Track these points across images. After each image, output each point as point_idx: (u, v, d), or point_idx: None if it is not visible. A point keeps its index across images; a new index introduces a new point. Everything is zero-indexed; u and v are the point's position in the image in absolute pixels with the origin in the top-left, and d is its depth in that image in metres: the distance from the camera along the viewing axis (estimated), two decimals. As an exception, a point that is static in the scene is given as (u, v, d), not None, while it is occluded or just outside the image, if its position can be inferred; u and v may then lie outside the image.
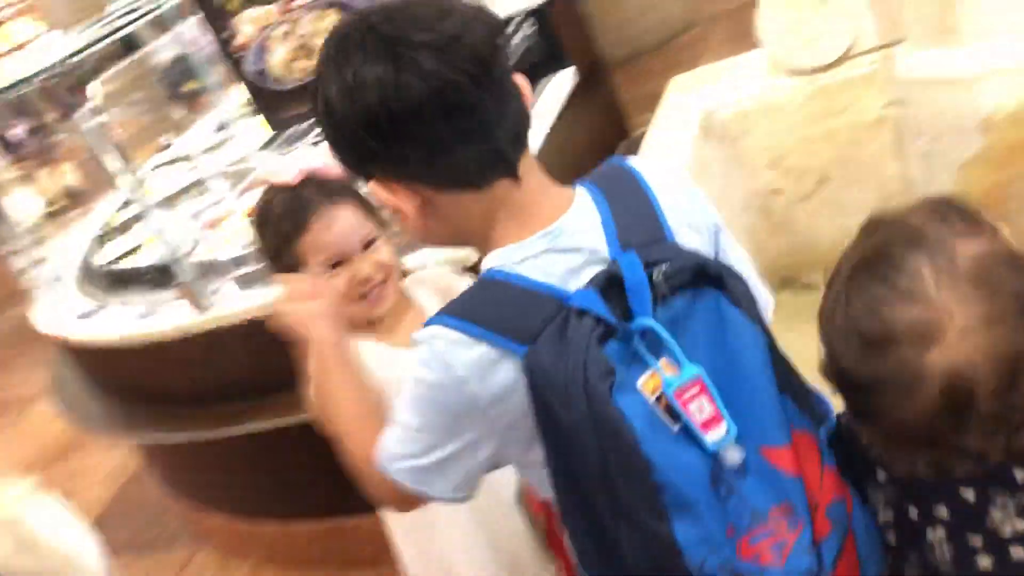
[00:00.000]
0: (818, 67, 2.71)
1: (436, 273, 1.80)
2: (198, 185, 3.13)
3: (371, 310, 1.58)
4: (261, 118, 3.17)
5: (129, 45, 2.50)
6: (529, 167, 1.05)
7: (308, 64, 2.39)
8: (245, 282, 2.51)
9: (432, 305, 1.66)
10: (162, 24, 2.47)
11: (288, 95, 2.44)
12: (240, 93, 3.42)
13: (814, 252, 2.82)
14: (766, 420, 1.00)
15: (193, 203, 3.04)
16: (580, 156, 2.74)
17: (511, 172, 1.02)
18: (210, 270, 2.49)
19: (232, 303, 2.48)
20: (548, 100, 2.73)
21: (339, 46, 1.00)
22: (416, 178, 1.00)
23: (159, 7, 2.44)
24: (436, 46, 0.94)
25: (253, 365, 2.53)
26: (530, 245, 1.02)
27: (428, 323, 1.03)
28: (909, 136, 2.69)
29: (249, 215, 2.60)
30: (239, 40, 2.40)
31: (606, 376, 0.94)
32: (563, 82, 2.81)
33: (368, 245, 1.56)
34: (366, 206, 1.61)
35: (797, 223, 2.91)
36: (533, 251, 1.02)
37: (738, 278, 1.03)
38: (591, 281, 0.99)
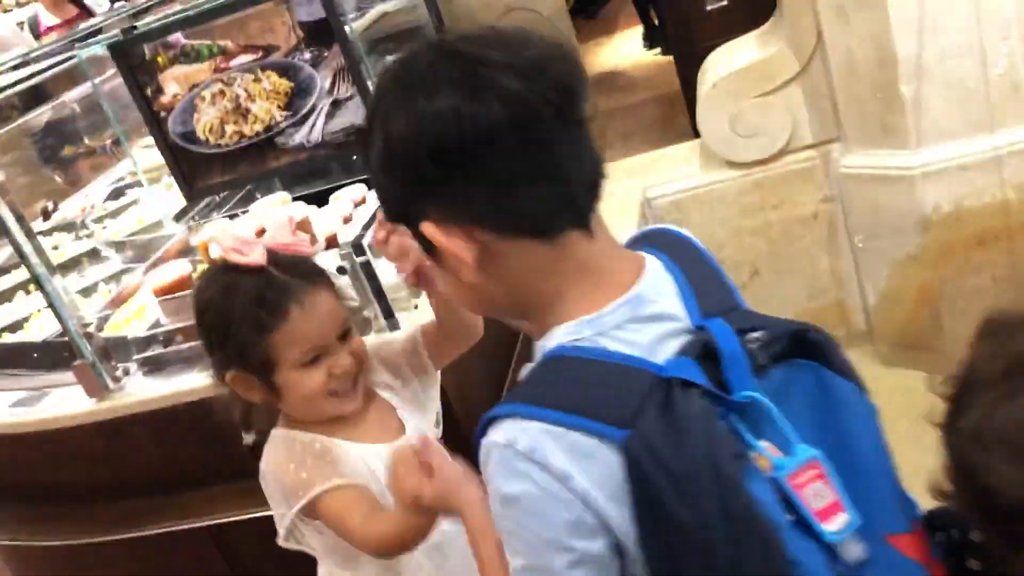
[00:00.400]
0: (756, 161, 2.72)
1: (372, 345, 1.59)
2: (92, 255, 2.84)
3: (343, 407, 1.38)
4: (165, 185, 2.93)
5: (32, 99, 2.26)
6: (600, 224, 0.92)
7: (240, 128, 2.20)
8: (151, 366, 2.26)
9: (387, 381, 1.48)
10: (72, 77, 2.24)
11: (215, 160, 2.23)
12: (140, 157, 3.17)
13: (747, 345, 2.79)
14: (888, 505, 0.88)
15: (86, 275, 2.75)
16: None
17: (583, 223, 0.89)
18: (114, 350, 2.21)
19: (137, 388, 2.21)
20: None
21: (407, 69, 0.86)
22: (479, 219, 0.85)
23: (73, 58, 2.21)
24: (519, 69, 0.82)
25: (158, 459, 2.25)
26: (610, 315, 0.88)
27: (491, 417, 0.86)
28: (843, 232, 2.72)
29: (158, 292, 2.36)
30: (164, 98, 2.19)
31: (737, 459, 0.79)
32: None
33: (344, 335, 1.37)
34: (336, 289, 1.42)
35: (729, 315, 2.88)
36: (614, 322, 0.88)
37: (839, 348, 0.92)
38: (684, 351, 0.86)
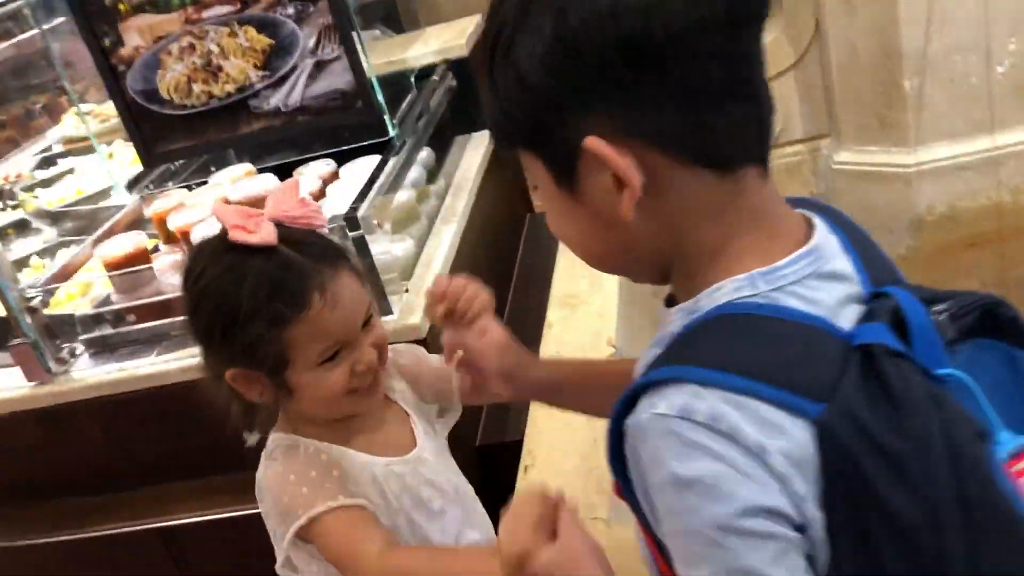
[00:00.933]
0: (743, 153, 2.63)
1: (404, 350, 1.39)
2: (20, 227, 2.58)
3: (362, 404, 1.18)
4: (106, 154, 2.69)
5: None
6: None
7: (209, 88, 1.98)
8: (99, 347, 2.03)
9: (406, 391, 1.30)
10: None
11: (179, 122, 2.00)
12: (73, 123, 2.92)
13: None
14: None
15: (13, 248, 2.49)
16: (497, 227, 2.48)
17: (763, 159, 0.75)
18: (59, 329, 1.98)
19: (83, 372, 1.99)
20: (471, 161, 2.46)
21: None
22: (661, 136, 0.70)
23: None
24: None
25: (105, 452, 2.03)
26: (788, 268, 0.73)
27: (643, 385, 0.70)
28: (828, 231, 2.65)
29: (110, 265, 2.12)
30: (124, 51, 1.96)
31: (978, 439, 0.67)
32: (480, 144, 2.56)
33: (366, 322, 1.16)
34: (358, 269, 1.21)
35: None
36: (793, 276, 0.73)
37: None
38: (875, 316, 0.72)
